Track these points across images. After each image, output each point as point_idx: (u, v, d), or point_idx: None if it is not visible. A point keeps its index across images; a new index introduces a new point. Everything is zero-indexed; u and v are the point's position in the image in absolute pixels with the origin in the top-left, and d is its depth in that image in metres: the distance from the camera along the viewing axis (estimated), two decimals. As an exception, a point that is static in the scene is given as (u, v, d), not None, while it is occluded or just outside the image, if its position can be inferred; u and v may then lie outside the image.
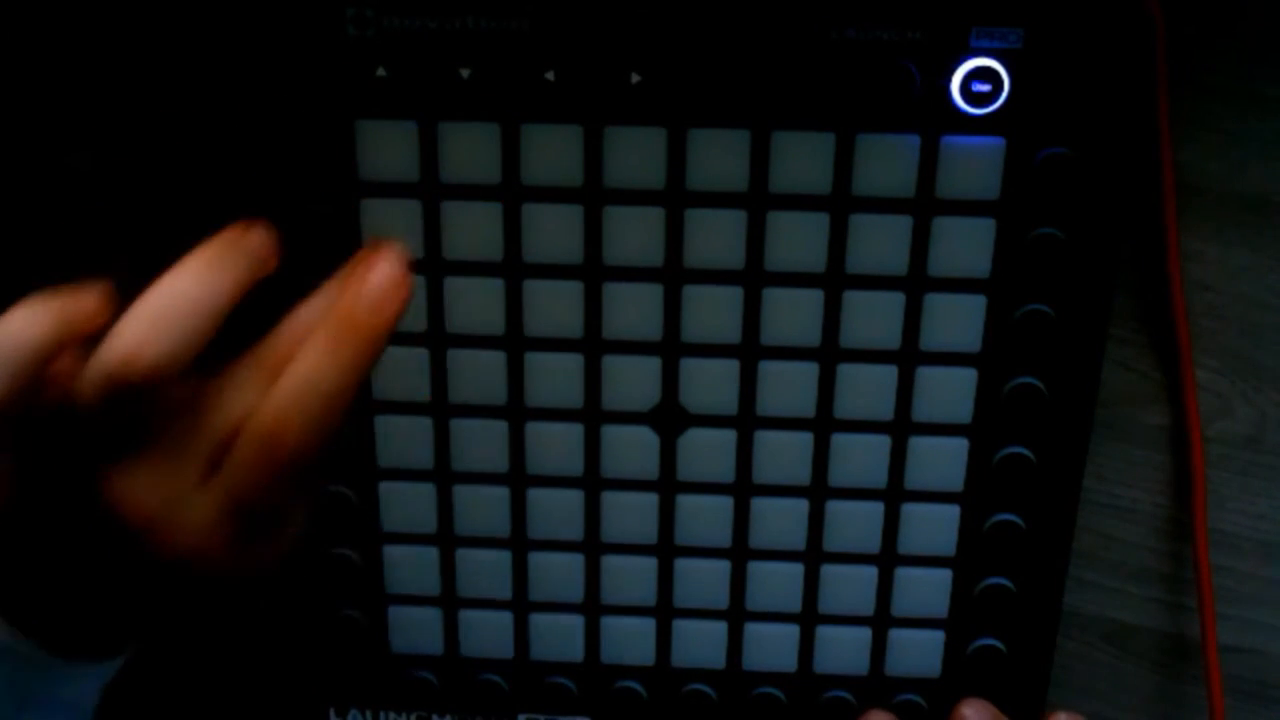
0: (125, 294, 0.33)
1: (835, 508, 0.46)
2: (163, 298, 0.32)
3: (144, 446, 0.34)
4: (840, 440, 0.45)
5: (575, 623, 0.49)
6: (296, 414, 0.33)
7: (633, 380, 0.45)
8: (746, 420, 0.45)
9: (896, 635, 0.48)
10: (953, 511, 0.46)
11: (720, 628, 0.48)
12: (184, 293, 0.32)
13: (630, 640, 0.49)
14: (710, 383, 0.45)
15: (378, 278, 0.34)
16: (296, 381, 0.33)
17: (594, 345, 0.44)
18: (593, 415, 0.45)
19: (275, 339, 0.35)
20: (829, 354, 0.44)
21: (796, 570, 0.47)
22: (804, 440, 0.45)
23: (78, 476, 0.34)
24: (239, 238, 0.34)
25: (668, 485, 0.46)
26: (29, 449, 0.34)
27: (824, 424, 0.45)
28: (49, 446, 0.34)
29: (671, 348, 0.44)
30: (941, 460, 0.45)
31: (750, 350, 0.44)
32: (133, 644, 0.41)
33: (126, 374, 0.31)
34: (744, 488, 0.46)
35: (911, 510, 0.46)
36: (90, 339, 0.33)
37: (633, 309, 0.43)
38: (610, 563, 0.48)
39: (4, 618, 0.37)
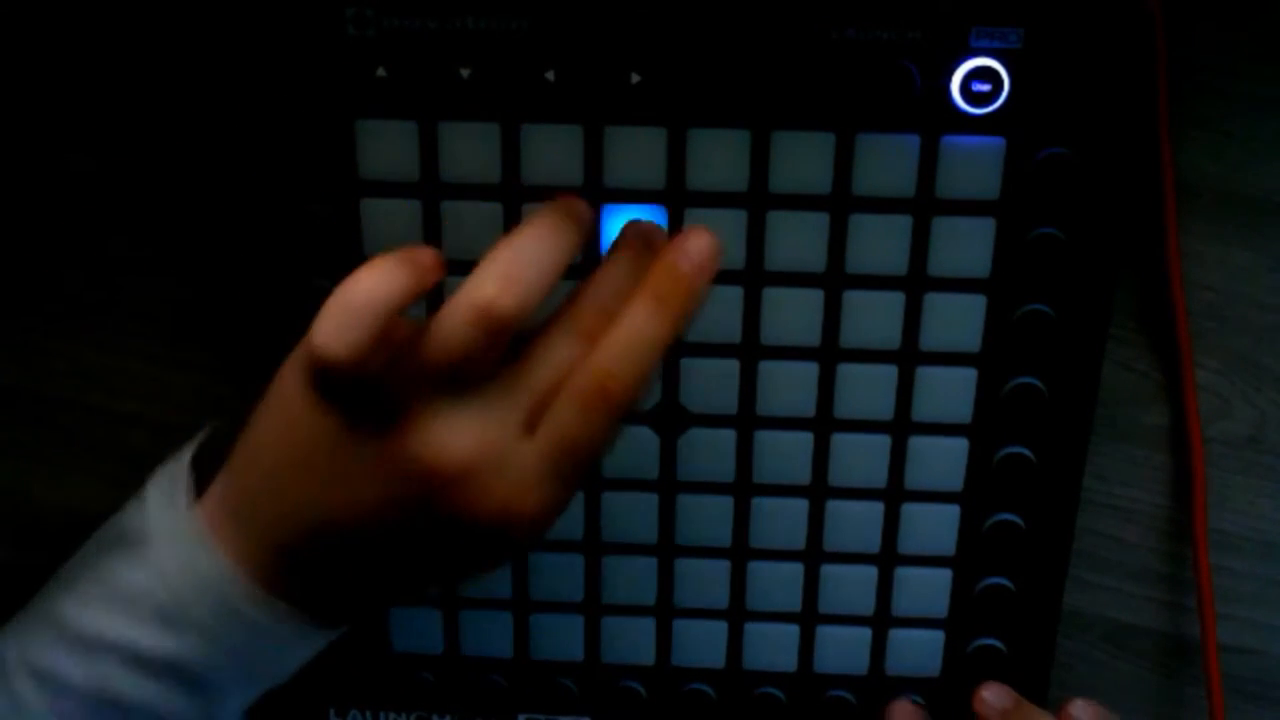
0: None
1: (835, 508, 0.46)
2: (517, 252, 0.35)
3: (467, 398, 0.35)
4: (840, 440, 0.45)
5: (575, 623, 0.49)
6: (625, 363, 0.35)
7: (633, 380, 0.45)
8: (746, 420, 0.45)
9: (896, 635, 0.48)
10: (953, 511, 0.46)
11: (720, 628, 0.48)
12: (534, 249, 0.35)
13: (630, 640, 0.49)
14: (710, 383, 0.44)
15: (699, 239, 0.36)
16: (625, 333, 0.36)
17: (594, 345, 0.44)
18: (593, 415, 0.45)
19: (582, 304, 0.37)
20: (829, 354, 0.44)
21: (796, 570, 0.47)
22: (804, 440, 0.45)
23: (398, 429, 0.35)
24: (570, 206, 0.37)
25: (668, 485, 0.46)
26: (358, 404, 0.36)
27: (824, 424, 0.45)
28: (376, 400, 0.35)
29: (671, 347, 0.44)
30: (941, 460, 0.45)
31: (750, 350, 0.44)
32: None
33: (489, 316, 0.34)
34: (744, 488, 0.46)
35: (911, 510, 0.46)
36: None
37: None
38: (610, 563, 0.48)
39: (262, 584, 0.38)
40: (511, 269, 0.34)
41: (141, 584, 0.38)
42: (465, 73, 0.41)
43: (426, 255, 0.35)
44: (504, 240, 0.35)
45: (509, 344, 0.36)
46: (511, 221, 0.43)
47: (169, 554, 0.38)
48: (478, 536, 0.36)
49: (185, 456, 0.40)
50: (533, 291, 0.35)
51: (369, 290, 0.34)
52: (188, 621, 0.38)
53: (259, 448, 0.38)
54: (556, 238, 0.36)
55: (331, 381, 0.35)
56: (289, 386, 0.37)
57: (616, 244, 0.38)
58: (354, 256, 0.43)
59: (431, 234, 0.43)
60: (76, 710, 0.38)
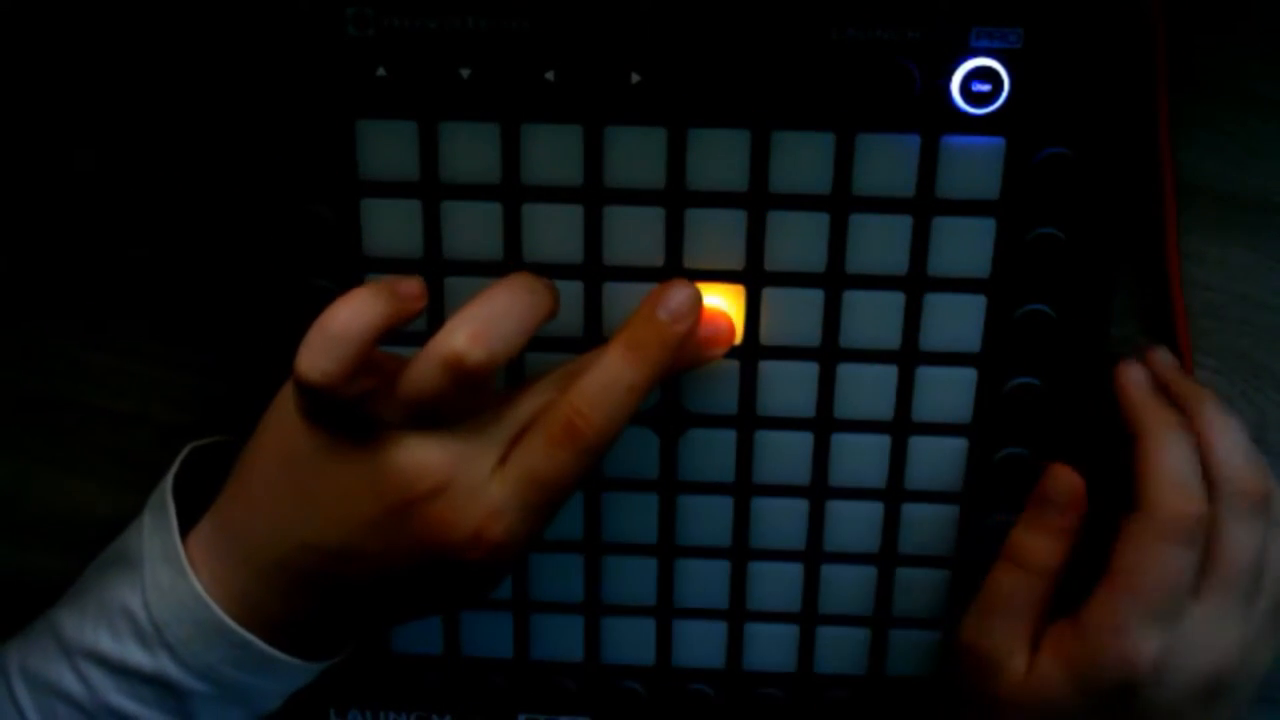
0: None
1: (835, 508, 0.46)
2: (490, 307, 0.37)
3: (445, 429, 0.38)
4: (840, 440, 0.45)
5: (575, 623, 0.49)
6: (594, 403, 0.38)
7: (633, 380, 0.45)
8: (746, 420, 0.45)
9: (896, 635, 0.48)
10: (953, 511, 0.46)
11: (720, 628, 0.48)
12: (507, 305, 0.37)
13: (630, 640, 0.49)
14: (710, 383, 0.44)
15: (678, 291, 0.39)
16: (596, 375, 0.38)
17: (594, 345, 0.44)
18: (593, 415, 0.45)
19: (575, 360, 0.40)
20: (829, 354, 0.44)
21: (796, 570, 0.47)
22: (804, 440, 0.45)
23: (377, 445, 0.38)
24: (544, 280, 0.39)
25: (668, 485, 0.46)
26: (340, 424, 0.38)
27: (824, 424, 0.45)
28: (356, 421, 0.38)
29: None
30: (941, 460, 0.45)
31: (750, 350, 0.44)
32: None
33: (457, 367, 0.36)
34: (744, 488, 0.46)
35: (911, 510, 0.46)
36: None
37: (633, 309, 0.43)
38: (610, 563, 0.48)
39: (239, 611, 0.40)
40: (482, 323, 0.36)
41: (132, 603, 0.40)
42: (465, 73, 0.41)
43: (410, 285, 0.37)
44: (478, 294, 0.37)
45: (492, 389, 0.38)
46: (512, 221, 0.43)
47: (155, 577, 0.40)
48: (448, 561, 0.38)
49: (169, 482, 0.43)
50: (501, 346, 0.36)
51: (346, 319, 0.36)
52: (166, 642, 0.40)
53: (251, 471, 0.41)
54: (530, 297, 0.38)
55: (314, 403, 0.37)
56: (283, 410, 0.39)
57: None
58: (354, 256, 0.43)
59: (431, 234, 0.43)
60: (68, 717, 0.41)
